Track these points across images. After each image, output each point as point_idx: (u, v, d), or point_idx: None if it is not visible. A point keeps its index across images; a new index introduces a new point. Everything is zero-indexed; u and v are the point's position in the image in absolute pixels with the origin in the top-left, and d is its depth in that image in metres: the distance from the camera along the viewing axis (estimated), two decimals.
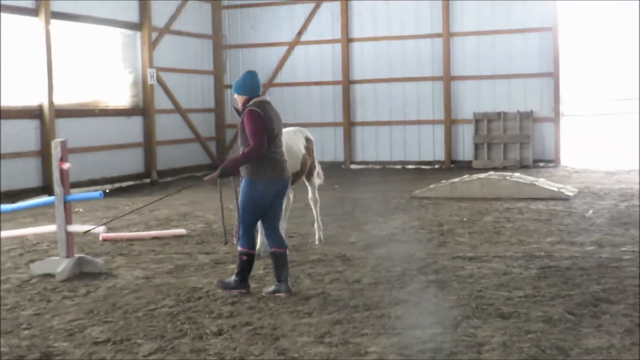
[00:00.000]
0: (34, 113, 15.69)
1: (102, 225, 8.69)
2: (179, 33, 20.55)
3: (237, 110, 7.20)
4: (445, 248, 9.34)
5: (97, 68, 17.74)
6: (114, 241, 10.37)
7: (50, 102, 15.81)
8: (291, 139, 9.15)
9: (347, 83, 21.13)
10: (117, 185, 17.74)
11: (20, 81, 15.47)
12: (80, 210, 13.59)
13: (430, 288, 7.33)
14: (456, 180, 14.32)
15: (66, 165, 8.30)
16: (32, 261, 8.95)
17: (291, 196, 9.77)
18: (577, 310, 6.38)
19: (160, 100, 19.66)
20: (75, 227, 8.54)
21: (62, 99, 16.49)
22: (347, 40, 21.07)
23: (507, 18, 19.80)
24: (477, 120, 20.00)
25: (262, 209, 7.07)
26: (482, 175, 14.35)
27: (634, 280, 7.38)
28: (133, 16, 18.73)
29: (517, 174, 14.57)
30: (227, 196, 7.92)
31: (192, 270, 8.54)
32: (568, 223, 10.83)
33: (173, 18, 20.18)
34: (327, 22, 21.28)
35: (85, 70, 17.36)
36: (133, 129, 18.77)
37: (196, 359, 5.55)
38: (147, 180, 18.80)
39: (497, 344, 5.58)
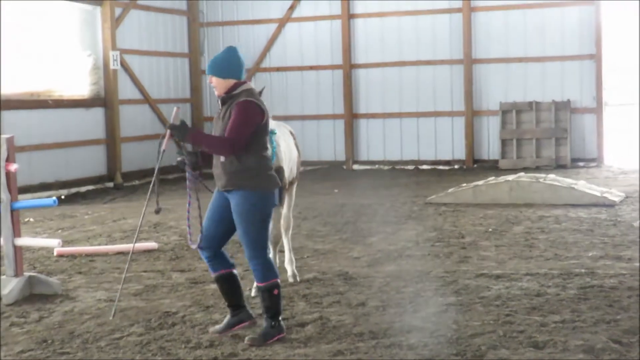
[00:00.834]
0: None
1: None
2: (147, 8, 20.59)
3: (222, 99, 6.70)
4: (467, 264, 9.37)
5: (50, 51, 17.76)
6: (72, 257, 10.38)
7: None
8: (285, 137, 8.65)
9: (349, 67, 21.17)
10: (74, 190, 17.77)
11: None
12: (31, 220, 13.61)
13: (449, 312, 7.35)
14: (480, 183, 14.35)
15: (13, 167, 8.32)
16: None
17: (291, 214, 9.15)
18: (624, 338, 6.40)
19: (125, 89, 19.69)
20: (24, 241, 8.55)
21: (8, 88, 16.51)
22: (348, 15, 21.12)
23: None
24: (505, 111, 20.05)
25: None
26: (510, 177, 14.39)
27: None
28: None
29: (552, 176, 14.61)
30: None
31: (164, 291, 8.55)
32: (614, 234, 10.86)
33: None
34: None
35: (36, 54, 17.37)
36: (93, 123, 18.80)
37: None
38: (110, 184, 18.83)
39: None
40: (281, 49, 21.77)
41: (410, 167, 20.77)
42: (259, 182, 6.59)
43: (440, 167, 20.61)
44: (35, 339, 6.93)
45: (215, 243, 6.79)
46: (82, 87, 18.73)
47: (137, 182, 19.39)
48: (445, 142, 20.74)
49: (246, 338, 6.61)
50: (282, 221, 8.81)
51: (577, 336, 6.48)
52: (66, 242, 10.63)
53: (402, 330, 6.81)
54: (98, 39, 19.00)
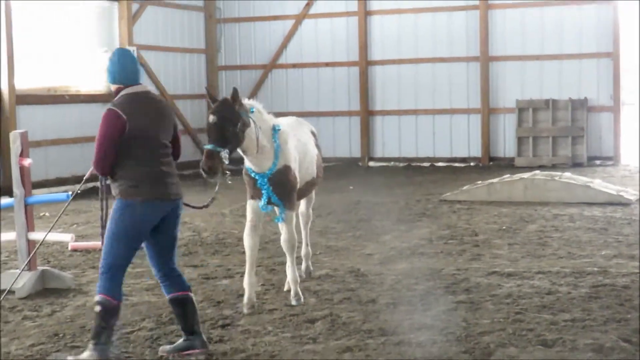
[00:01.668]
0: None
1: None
2: (164, 4, 20.66)
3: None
4: (480, 262, 9.38)
5: (67, 47, 17.86)
6: (86, 251, 10.45)
7: (11, 87, 15.94)
8: (300, 135, 8.32)
9: (365, 64, 21.17)
10: (90, 185, 17.81)
11: None
12: (46, 214, 13.69)
13: (459, 310, 7.37)
14: (495, 181, 14.33)
15: (27, 162, 8.38)
16: None
17: (311, 210, 8.98)
18: (634, 337, 6.39)
19: None
20: (38, 235, 8.61)
21: (25, 84, 16.62)
22: (364, 12, 21.11)
23: None
24: (521, 109, 20.00)
25: (136, 241, 6.18)
26: (526, 176, 14.36)
27: None
28: None
29: (568, 174, 14.58)
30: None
31: None
32: (628, 233, 10.83)
33: None
34: None
35: (53, 50, 17.47)
36: None
37: None
38: None
39: None
40: (297, 46, 21.79)
41: (426, 164, 20.76)
42: (124, 190, 6.12)
43: (456, 164, 20.58)
44: (46, 332, 7.00)
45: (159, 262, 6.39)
46: (98, 82, 18.81)
47: None
48: (461, 140, 20.71)
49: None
50: (300, 218, 8.79)
51: (586, 335, 6.48)
52: (80, 237, 10.69)
53: (412, 328, 6.83)
54: (115, 35, 19.09)
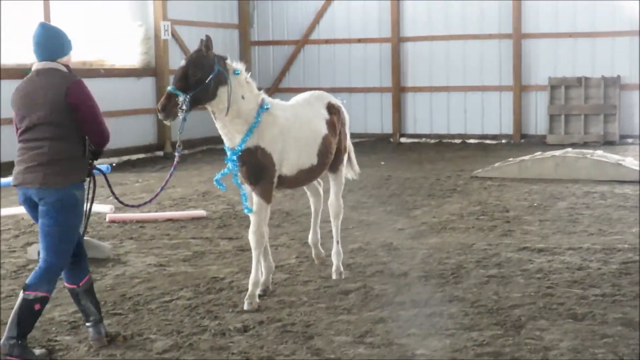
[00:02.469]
0: (28, 73, 16.00)
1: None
2: None
3: None
4: (510, 238, 9.47)
5: (102, 21, 18.04)
6: (123, 223, 10.67)
7: None
8: (302, 112, 7.49)
9: (397, 41, 21.18)
10: (125, 158, 18.09)
11: (13, 38, 15.81)
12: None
13: (490, 284, 7.48)
14: (526, 158, 14.36)
15: None
16: (29, 244, 9.28)
17: (321, 190, 8.29)
18: None
19: (175, 59, 19.87)
20: None
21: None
22: None
23: None
24: (553, 86, 19.94)
25: None
26: (557, 153, 14.38)
27: None
28: None
29: (599, 152, 14.56)
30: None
31: (212, 258, 8.80)
32: None
33: None
34: None
35: (88, 24, 17.65)
36: (143, 92, 19.08)
37: (217, 358, 5.79)
38: (160, 153, 19.11)
39: (566, 349, 5.74)
40: (330, 22, 21.81)
41: (457, 141, 20.77)
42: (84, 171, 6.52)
43: (487, 141, 20.57)
44: None
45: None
46: (133, 57, 19.01)
47: (186, 152, 19.60)
48: (493, 117, 20.70)
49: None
50: (330, 208, 7.95)
51: (616, 309, 6.58)
52: (117, 209, 10.90)
53: (443, 300, 6.97)
54: (149, 10, 19.23)
